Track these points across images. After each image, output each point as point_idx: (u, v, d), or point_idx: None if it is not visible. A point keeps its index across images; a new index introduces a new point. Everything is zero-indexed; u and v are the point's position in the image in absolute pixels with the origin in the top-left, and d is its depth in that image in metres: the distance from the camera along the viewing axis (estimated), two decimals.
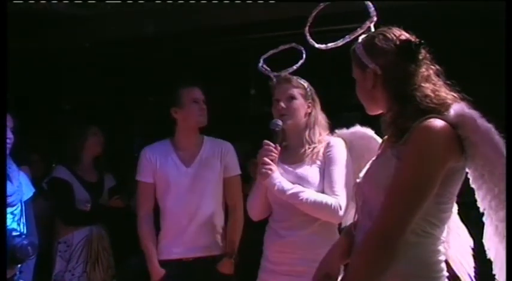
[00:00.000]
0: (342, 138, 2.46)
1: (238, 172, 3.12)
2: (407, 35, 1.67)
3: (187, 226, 2.98)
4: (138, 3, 3.86)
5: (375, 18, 1.74)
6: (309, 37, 1.85)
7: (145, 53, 4.55)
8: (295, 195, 2.37)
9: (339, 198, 2.34)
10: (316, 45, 1.83)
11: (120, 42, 4.29)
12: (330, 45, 1.80)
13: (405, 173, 1.55)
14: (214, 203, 3.05)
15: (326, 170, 2.40)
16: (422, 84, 1.62)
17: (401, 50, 1.64)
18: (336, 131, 2.53)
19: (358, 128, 2.45)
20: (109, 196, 3.65)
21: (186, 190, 3.00)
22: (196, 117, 3.02)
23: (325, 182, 2.39)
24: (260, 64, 2.55)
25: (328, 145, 2.43)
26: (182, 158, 3.06)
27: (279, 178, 2.40)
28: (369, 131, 2.39)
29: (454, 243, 1.81)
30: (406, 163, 1.56)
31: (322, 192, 2.39)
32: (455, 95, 1.64)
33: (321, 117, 2.54)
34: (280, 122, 2.45)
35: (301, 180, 2.41)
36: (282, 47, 2.50)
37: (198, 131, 3.10)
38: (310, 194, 2.36)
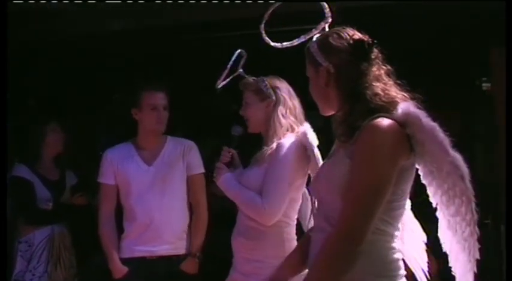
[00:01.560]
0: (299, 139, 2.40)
1: (202, 170, 3.11)
2: (361, 35, 1.70)
3: (149, 224, 2.97)
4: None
5: (330, 19, 1.76)
6: (264, 35, 1.86)
7: (113, 50, 4.50)
8: (234, 194, 2.44)
9: (266, 200, 2.33)
10: (272, 44, 1.85)
11: (89, 37, 4.23)
12: (285, 44, 1.82)
13: (358, 174, 1.56)
14: (177, 201, 3.05)
15: (267, 172, 2.37)
16: (373, 83, 1.65)
17: (354, 48, 1.66)
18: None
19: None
20: (71, 194, 3.59)
21: (147, 188, 3.00)
22: (153, 125, 3.01)
23: (263, 184, 2.38)
24: (239, 71, 2.56)
25: (277, 146, 2.39)
26: (144, 157, 3.06)
27: (228, 178, 2.47)
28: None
29: (408, 239, 1.84)
30: (356, 163, 1.57)
31: None
32: (405, 94, 1.67)
33: (281, 118, 2.42)
34: (239, 128, 2.55)
35: (246, 182, 2.44)
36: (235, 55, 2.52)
37: (161, 132, 3.08)
38: (244, 193, 2.40)
